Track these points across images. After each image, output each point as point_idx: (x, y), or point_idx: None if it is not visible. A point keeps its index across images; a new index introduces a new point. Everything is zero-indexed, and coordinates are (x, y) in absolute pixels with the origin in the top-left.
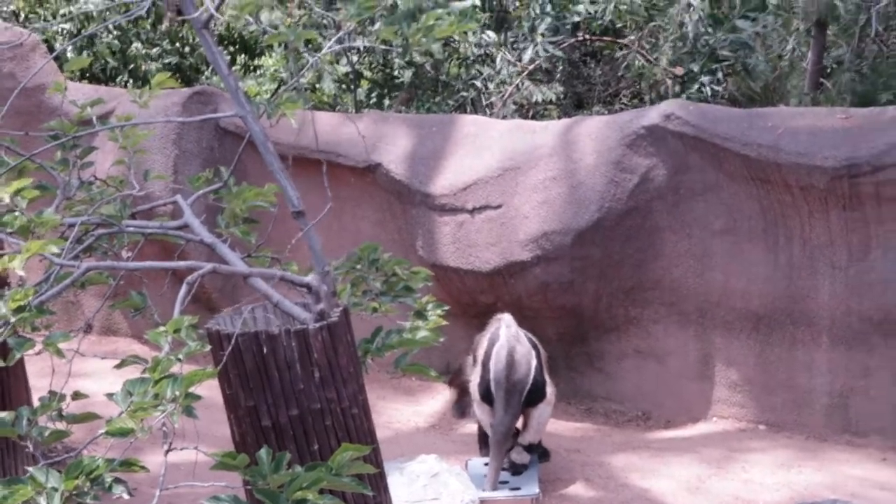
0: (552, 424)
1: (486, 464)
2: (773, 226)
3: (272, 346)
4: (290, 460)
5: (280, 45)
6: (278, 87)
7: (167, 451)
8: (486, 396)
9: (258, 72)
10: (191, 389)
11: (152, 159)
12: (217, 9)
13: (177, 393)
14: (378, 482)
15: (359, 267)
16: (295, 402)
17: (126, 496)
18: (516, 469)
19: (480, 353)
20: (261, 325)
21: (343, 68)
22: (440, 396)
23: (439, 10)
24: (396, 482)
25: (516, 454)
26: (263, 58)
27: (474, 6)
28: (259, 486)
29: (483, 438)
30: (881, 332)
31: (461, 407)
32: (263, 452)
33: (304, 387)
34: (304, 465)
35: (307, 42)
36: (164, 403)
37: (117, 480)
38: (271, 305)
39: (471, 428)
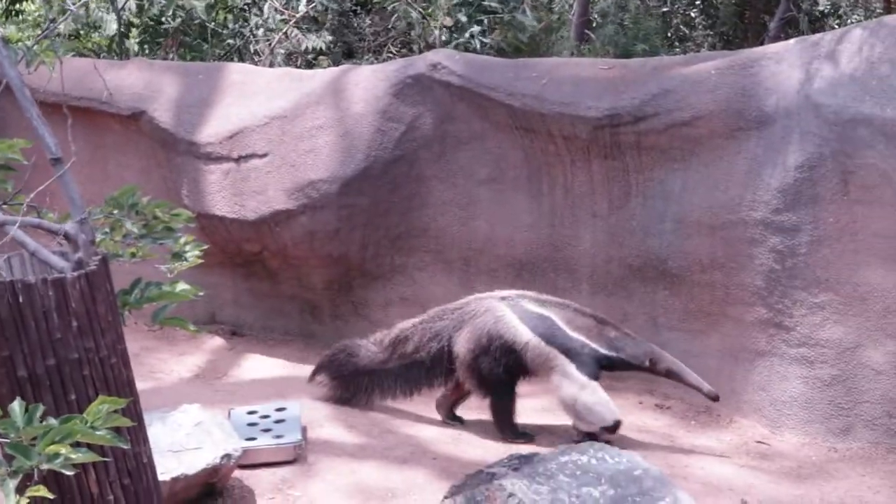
0: (308, 370)
1: (250, 412)
2: (536, 175)
3: (28, 296)
4: (47, 412)
5: None
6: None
7: None
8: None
9: (21, 17)
10: None
11: None
12: None
13: None
14: (136, 433)
15: (117, 212)
16: (52, 352)
17: None
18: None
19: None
20: (17, 274)
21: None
22: (204, 346)
23: None
24: (158, 431)
25: None
26: (26, 3)
27: None
28: (11, 439)
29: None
30: (640, 278)
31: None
32: (16, 404)
33: (61, 336)
34: (59, 417)
35: None
36: None
37: None
38: (28, 255)
39: (235, 377)
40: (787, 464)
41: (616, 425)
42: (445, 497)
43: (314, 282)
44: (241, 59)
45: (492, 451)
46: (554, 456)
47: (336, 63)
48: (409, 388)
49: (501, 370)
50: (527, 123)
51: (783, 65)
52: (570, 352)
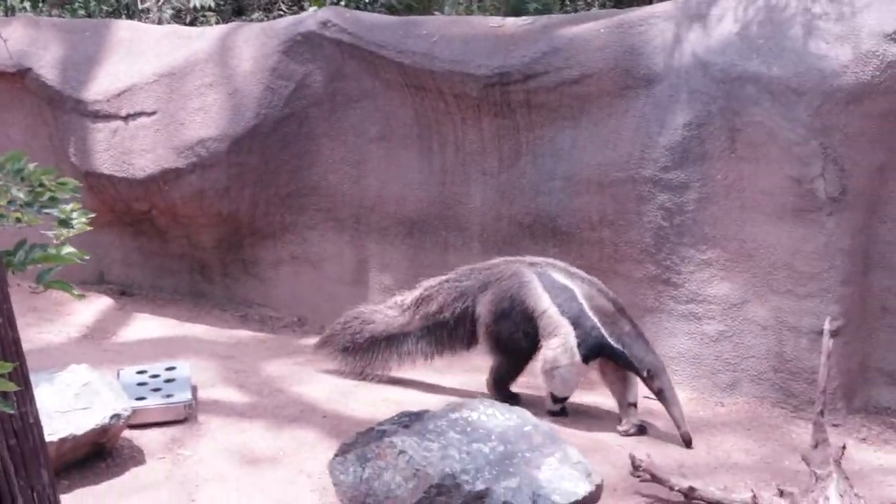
0: (197, 330)
1: (139, 372)
2: (427, 133)
3: None
4: None
5: None
6: None
7: None
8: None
9: None
10: None
11: None
12: None
13: None
14: (23, 394)
15: (1, 176)
16: None
17: None
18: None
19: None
20: None
21: None
22: (93, 306)
23: None
24: (45, 392)
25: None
26: None
27: None
28: None
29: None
30: (530, 236)
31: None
32: None
33: None
34: None
35: None
36: None
37: None
38: None
39: (123, 337)
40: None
41: (564, 399)
42: (336, 455)
43: (204, 240)
44: (129, 17)
45: (382, 408)
46: (444, 413)
47: (225, 20)
48: (431, 351)
49: (521, 335)
50: (417, 81)
51: (671, 23)
52: (579, 328)
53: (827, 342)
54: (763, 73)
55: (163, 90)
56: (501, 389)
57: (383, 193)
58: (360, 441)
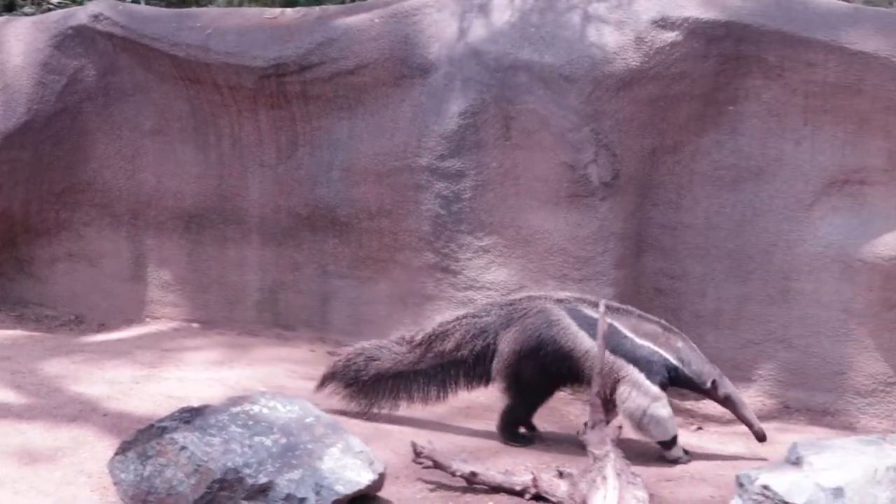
0: None
1: None
2: (203, 125)
3: None
4: None
5: None
6: None
7: None
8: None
9: None
10: None
11: None
12: None
13: None
14: None
15: None
16: None
17: None
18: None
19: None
20: None
21: None
22: None
23: None
24: None
25: None
26: None
27: None
28: None
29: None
30: (309, 227)
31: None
32: None
33: None
34: None
35: None
36: None
37: None
38: None
39: None
40: (457, 404)
41: (674, 440)
42: (116, 454)
43: None
44: None
45: (164, 405)
46: (225, 407)
47: None
48: (444, 390)
49: (545, 375)
50: (192, 74)
51: (444, 13)
52: (638, 361)
53: (602, 324)
54: (535, 61)
55: None
56: (510, 430)
57: (160, 188)
58: (141, 438)
